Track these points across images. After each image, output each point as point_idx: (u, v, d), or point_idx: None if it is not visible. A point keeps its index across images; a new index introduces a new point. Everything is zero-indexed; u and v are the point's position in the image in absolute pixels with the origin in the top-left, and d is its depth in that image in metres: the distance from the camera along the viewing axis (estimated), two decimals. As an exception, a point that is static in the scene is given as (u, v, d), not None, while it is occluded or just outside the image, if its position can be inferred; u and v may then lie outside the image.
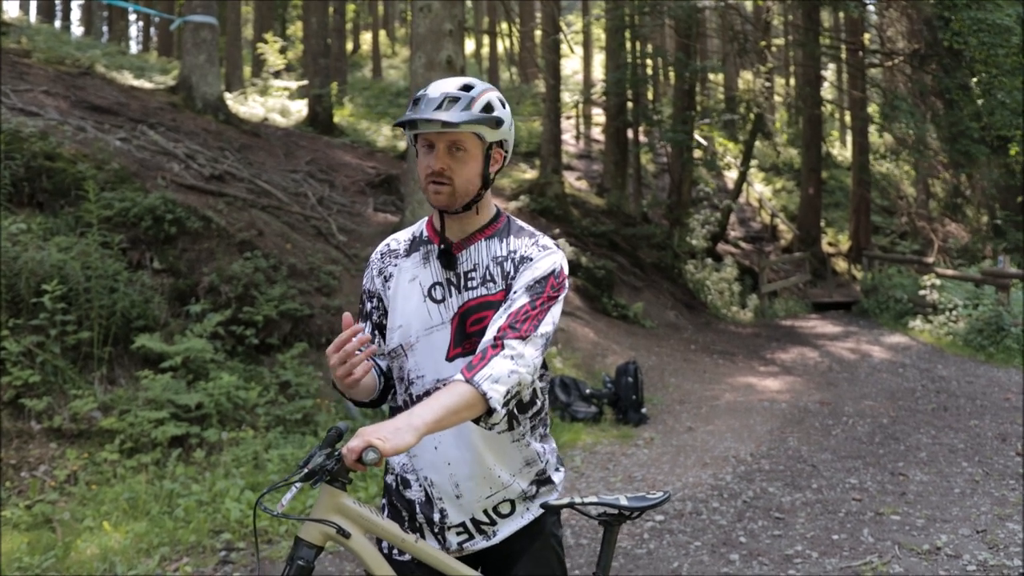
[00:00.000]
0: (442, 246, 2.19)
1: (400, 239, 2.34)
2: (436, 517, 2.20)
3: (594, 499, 2.28)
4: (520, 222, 2.29)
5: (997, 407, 8.82)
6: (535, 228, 2.28)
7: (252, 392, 7.00)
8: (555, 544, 2.31)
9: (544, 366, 2.24)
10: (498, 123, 2.13)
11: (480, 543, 2.22)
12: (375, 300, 2.30)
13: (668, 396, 10.15)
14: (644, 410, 8.88)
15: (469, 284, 2.17)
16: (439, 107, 2.05)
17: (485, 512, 2.21)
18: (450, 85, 2.11)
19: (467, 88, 2.11)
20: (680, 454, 7.49)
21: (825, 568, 4.75)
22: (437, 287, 2.19)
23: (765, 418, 8.80)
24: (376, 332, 2.31)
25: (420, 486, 2.22)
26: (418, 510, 2.22)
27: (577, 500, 2.27)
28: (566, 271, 2.19)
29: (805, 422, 8.56)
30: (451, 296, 2.18)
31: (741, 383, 10.99)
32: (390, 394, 2.33)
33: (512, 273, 2.15)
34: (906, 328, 15.40)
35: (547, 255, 2.16)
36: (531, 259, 2.15)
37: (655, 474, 6.87)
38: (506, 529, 2.24)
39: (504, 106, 2.17)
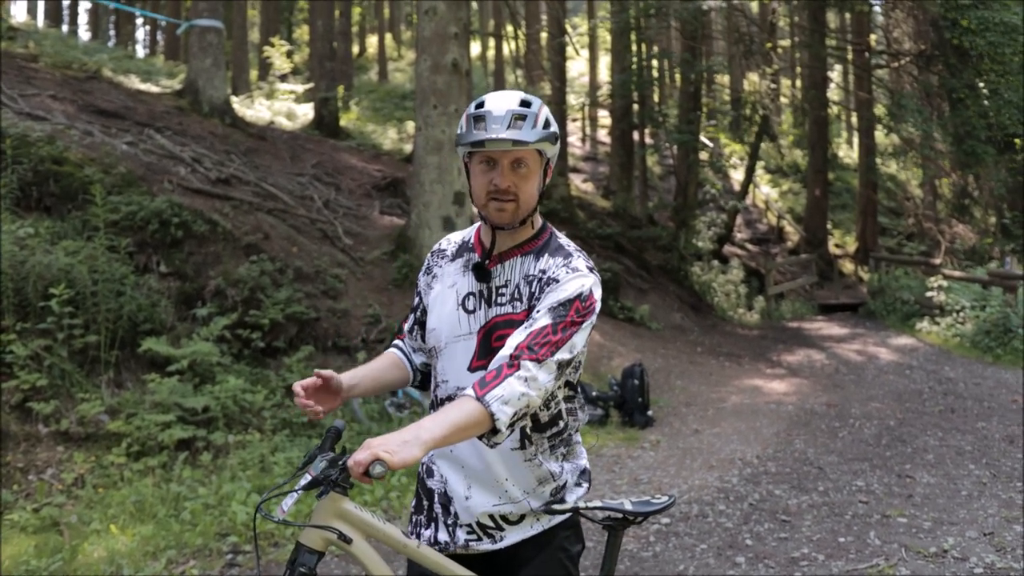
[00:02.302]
0: (485, 260, 2.21)
1: (453, 240, 2.38)
2: (452, 509, 2.22)
3: (598, 503, 2.27)
4: (562, 239, 2.26)
5: (1005, 409, 8.79)
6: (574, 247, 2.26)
7: (258, 395, 7.02)
8: (564, 559, 2.27)
9: (575, 388, 2.26)
10: (556, 139, 2.15)
11: (486, 544, 2.22)
12: (419, 296, 2.40)
13: (674, 398, 10.14)
14: (650, 412, 8.88)
15: (499, 300, 2.18)
16: (509, 125, 2.06)
17: (491, 518, 2.21)
18: (511, 100, 2.11)
19: (527, 104, 2.11)
20: (686, 456, 7.49)
21: (831, 571, 4.74)
22: (470, 297, 2.22)
23: (771, 420, 8.79)
24: (416, 326, 2.41)
25: (441, 479, 2.24)
26: (436, 499, 2.25)
27: (581, 504, 2.27)
28: (596, 295, 2.14)
29: (811, 424, 8.54)
30: (480, 309, 2.19)
31: (747, 385, 10.97)
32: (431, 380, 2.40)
33: (537, 294, 2.14)
34: (913, 330, 15.36)
35: (575, 278, 2.12)
36: (557, 281, 2.12)
37: (661, 476, 6.87)
38: (513, 536, 2.23)
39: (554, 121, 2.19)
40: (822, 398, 9.90)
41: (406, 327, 2.45)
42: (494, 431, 1.94)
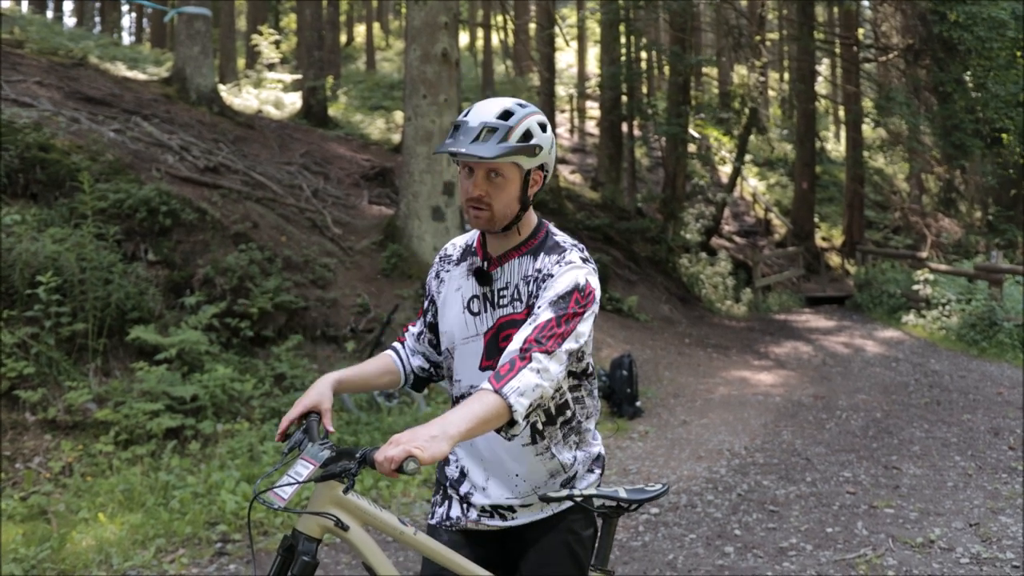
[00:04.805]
0: (485, 263, 2.28)
1: (457, 244, 2.44)
2: (463, 492, 2.34)
3: (593, 491, 2.30)
4: (558, 236, 2.29)
5: (990, 401, 8.86)
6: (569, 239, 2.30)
7: (247, 384, 7.00)
8: (572, 542, 2.32)
9: (580, 376, 2.29)
10: (535, 151, 2.14)
11: (496, 522, 2.32)
12: (430, 299, 2.45)
13: (662, 389, 10.17)
14: (639, 403, 8.90)
15: (501, 301, 2.24)
16: (476, 138, 2.08)
17: (505, 506, 2.33)
18: (490, 112, 2.12)
19: (506, 116, 2.12)
20: (675, 447, 7.52)
21: (819, 561, 4.77)
22: (475, 300, 2.28)
23: (759, 412, 8.83)
24: (427, 329, 2.46)
25: (457, 467, 2.36)
26: (450, 485, 2.38)
27: (576, 492, 2.29)
28: (593, 285, 2.17)
29: (799, 416, 8.59)
30: (486, 311, 2.26)
31: (735, 377, 11.01)
32: (427, 383, 2.53)
33: (535, 292, 2.19)
34: (899, 323, 15.44)
35: (568, 270, 2.15)
36: (552, 276, 2.17)
37: (650, 467, 6.90)
38: (524, 517, 2.32)
39: (544, 130, 2.17)
40: (809, 390, 9.95)
41: (414, 330, 2.50)
42: (512, 423, 1.98)
